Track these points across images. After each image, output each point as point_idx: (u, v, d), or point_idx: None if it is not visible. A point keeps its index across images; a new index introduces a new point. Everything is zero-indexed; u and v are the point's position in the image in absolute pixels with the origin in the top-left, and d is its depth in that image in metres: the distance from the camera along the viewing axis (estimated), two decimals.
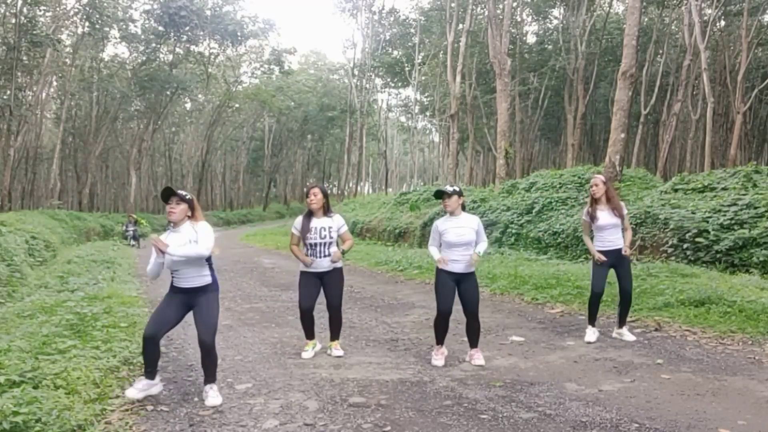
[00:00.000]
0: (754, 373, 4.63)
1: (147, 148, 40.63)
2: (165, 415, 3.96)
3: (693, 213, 9.97)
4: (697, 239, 9.31)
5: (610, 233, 5.78)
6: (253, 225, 43.43)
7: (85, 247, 18.85)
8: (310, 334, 5.50)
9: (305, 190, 5.50)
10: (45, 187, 39.27)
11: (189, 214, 4.23)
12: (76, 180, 38.64)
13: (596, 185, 5.81)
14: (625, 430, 3.58)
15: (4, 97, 26.09)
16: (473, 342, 5.20)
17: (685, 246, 9.45)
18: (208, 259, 4.25)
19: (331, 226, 5.34)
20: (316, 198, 5.33)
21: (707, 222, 9.49)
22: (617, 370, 4.81)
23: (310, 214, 5.39)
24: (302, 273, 5.45)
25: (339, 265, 5.41)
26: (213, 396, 4.18)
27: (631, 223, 10.59)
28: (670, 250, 9.63)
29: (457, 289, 5.11)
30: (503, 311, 7.61)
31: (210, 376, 4.24)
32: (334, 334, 5.56)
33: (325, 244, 5.32)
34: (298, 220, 5.46)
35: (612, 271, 5.91)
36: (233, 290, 9.97)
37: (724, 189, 11.10)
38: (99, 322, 5.88)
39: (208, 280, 4.25)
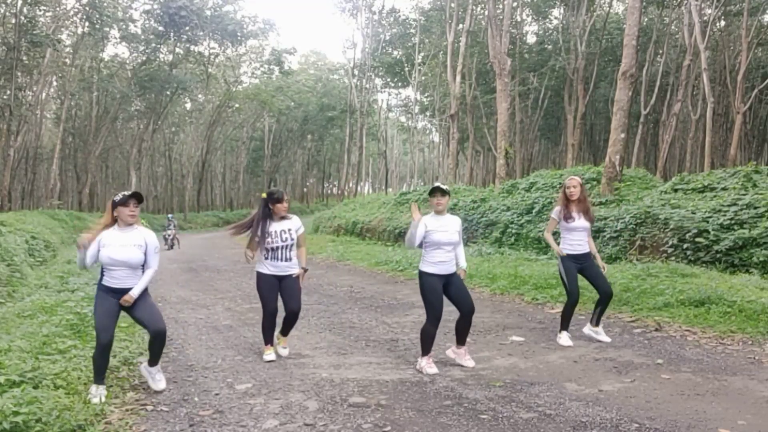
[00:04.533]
0: (754, 373, 4.63)
1: (147, 148, 40.66)
2: (165, 415, 3.96)
3: (693, 213, 9.97)
4: (697, 239, 9.31)
5: (580, 236, 5.75)
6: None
7: None
8: (271, 338, 5.36)
9: (274, 196, 5.27)
10: (45, 187, 39.26)
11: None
12: (76, 180, 38.67)
13: (574, 186, 5.73)
14: (625, 430, 3.58)
15: (4, 97, 26.10)
16: (462, 339, 5.02)
17: (685, 246, 9.45)
18: (143, 265, 4.36)
19: (290, 227, 5.28)
20: (287, 205, 5.30)
21: (707, 222, 9.49)
22: (617, 370, 4.80)
23: (267, 218, 5.26)
24: (260, 274, 5.29)
25: (293, 271, 5.32)
26: (159, 380, 4.47)
27: (630, 223, 10.69)
28: (670, 250, 9.63)
29: (445, 292, 4.92)
30: (503, 311, 7.61)
31: (155, 360, 4.47)
32: (285, 331, 5.44)
33: (287, 246, 5.25)
34: (246, 229, 5.37)
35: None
36: (233, 290, 9.98)
37: (724, 189, 11.09)
38: None
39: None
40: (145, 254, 4.31)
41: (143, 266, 4.34)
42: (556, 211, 5.89)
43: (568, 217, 5.75)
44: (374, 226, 21.34)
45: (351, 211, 26.00)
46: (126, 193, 4.30)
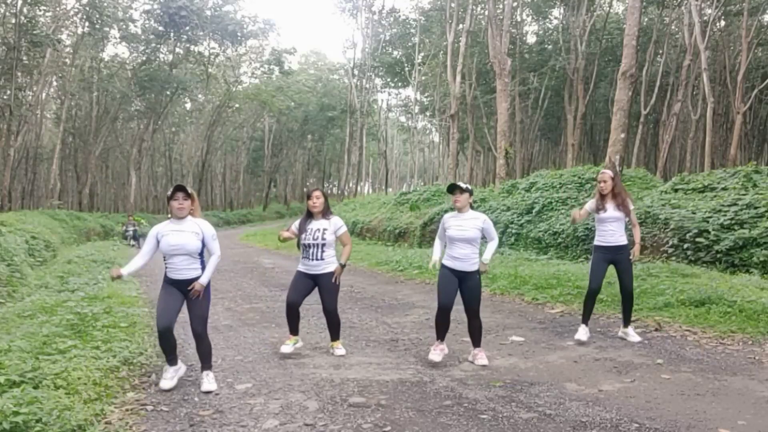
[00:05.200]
0: (754, 373, 4.63)
1: (147, 148, 40.64)
2: (165, 415, 3.96)
3: (693, 213, 9.97)
4: (698, 239, 9.30)
5: (612, 228, 5.70)
6: (253, 225, 43.44)
7: (85, 247, 18.84)
8: (294, 329, 5.49)
9: (306, 192, 5.53)
10: (45, 187, 39.27)
11: (192, 207, 4.55)
12: (76, 180, 38.64)
13: (605, 181, 5.73)
14: (625, 430, 3.58)
15: (4, 97, 26.10)
16: (476, 341, 5.17)
17: (685, 246, 9.45)
18: (201, 253, 4.51)
19: (326, 228, 5.34)
20: (318, 201, 5.36)
21: (707, 222, 9.49)
22: (617, 370, 4.81)
23: (309, 216, 5.41)
24: (297, 271, 5.49)
25: (332, 269, 5.38)
26: (208, 382, 4.45)
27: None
28: (670, 250, 9.63)
29: (459, 288, 5.08)
30: (503, 311, 7.61)
31: (206, 363, 4.54)
32: (334, 335, 5.57)
33: (318, 245, 5.31)
34: (298, 221, 5.49)
35: (612, 270, 5.87)
36: (233, 290, 9.98)
37: (724, 189, 11.08)
38: (99, 322, 5.88)
39: (199, 272, 4.50)
40: (203, 242, 4.47)
41: (201, 256, 4.49)
42: (590, 203, 5.90)
43: (599, 208, 5.76)
44: (374, 226, 21.34)
45: (351, 211, 26.00)
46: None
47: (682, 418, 3.72)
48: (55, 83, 35.79)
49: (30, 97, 30.40)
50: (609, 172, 5.86)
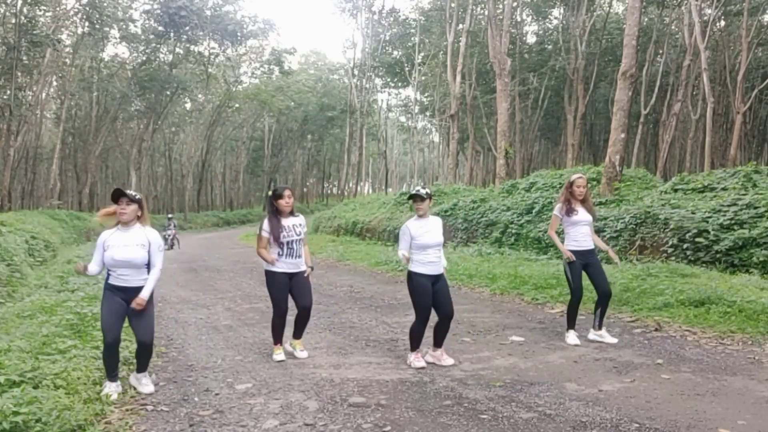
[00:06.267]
0: (754, 373, 4.63)
1: (147, 148, 40.64)
2: (165, 415, 3.96)
3: (693, 213, 9.97)
4: (697, 239, 9.30)
5: (584, 231, 5.75)
6: (253, 225, 43.37)
7: (85, 247, 18.84)
8: (281, 337, 5.40)
9: (276, 192, 5.32)
10: (45, 187, 39.26)
11: (139, 214, 4.38)
12: (76, 180, 38.67)
13: (584, 186, 5.78)
14: (625, 430, 3.58)
15: (4, 97, 26.09)
16: (440, 342, 5.12)
17: (685, 246, 9.45)
18: (148, 264, 4.36)
19: (301, 223, 5.38)
20: (290, 200, 5.35)
21: (707, 222, 9.49)
22: (617, 370, 4.80)
23: (277, 215, 5.30)
24: (272, 273, 5.30)
25: (304, 267, 5.39)
26: (146, 384, 4.43)
27: (630, 223, 10.69)
28: (670, 250, 9.63)
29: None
30: (503, 311, 7.61)
31: (143, 367, 4.49)
32: (299, 333, 5.48)
33: (300, 241, 5.32)
34: (266, 223, 5.31)
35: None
36: (233, 290, 9.98)
37: (724, 189, 11.09)
38: (99, 322, 5.86)
39: (146, 280, 4.36)
40: (149, 253, 4.31)
41: (148, 265, 4.34)
42: (558, 208, 5.89)
43: (570, 211, 5.76)
44: (374, 226, 21.34)
45: (351, 211, 26.00)
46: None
47: (682, 418, 3.72)
48: (55, 83, 35.81)
49: (30, 97, 30.40)
50: (585, 177, 5.91)
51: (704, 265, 8.91)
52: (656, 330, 6.14)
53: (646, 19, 27.49)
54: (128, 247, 4.25)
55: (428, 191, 5.11)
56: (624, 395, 4.19)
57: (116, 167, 47.38)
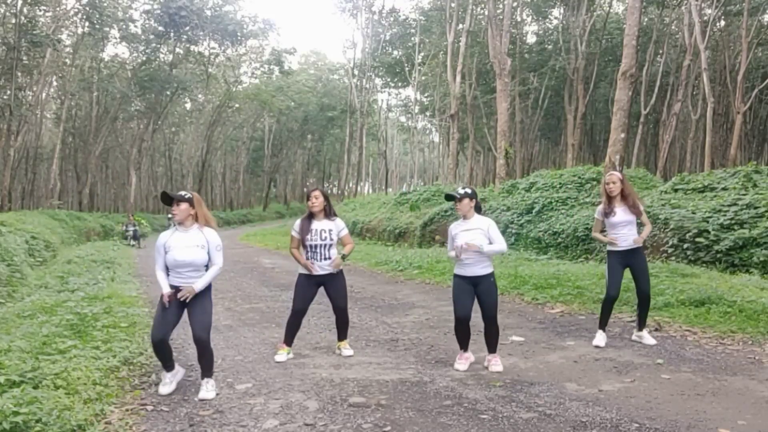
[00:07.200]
0: (754, 373, 4.63)
1: (147, 148, 40.63)
2: (165, 415, 3.96)
3: (693, 213, 9.97)
4: (697, 239, 9.30)
5: (625, 231, 5.55)
6: (253, 225, 43.45)
7: (85, 247, 18.85)
8: (290, 339, 5.40)
9: (306, 192, 5.50)
10: (45, 187, 39.26)
11: (192, 212, 4.40)
12: (76, 180, 38.65)
13: (613, 183, 5.58)
14: (625, 430, 3.58)
15: (4, 97, 26.09)
16: (492, 347, 4.99)
17: (685, 246, 9.44)
18: (207, 265, 4.42)
19: (331, 228, 5.32)
20: (317, 201, 5.31)
21: (707, 222, 9.49)
22: (617, 370, 4.80)
23: (310, 216, 5.35)
24: (301, 275, 5.39)
25: (327, 271, 5.34)
26: (206, 390, 4.30)
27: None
28: (670, 250, 9.63)
29: (476, 294, 4.90)
30: (503, 311, 7.59)
31: (206, 371, 4.38)
32: (342, 335, 5.54)
33: (325, 246, 5.28)
34: (297, 223, 5.41)
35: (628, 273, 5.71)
36: (233, 290, 9.97)
37: (724, 189, 11.09)
38: (99, 322, 5.88)
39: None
40: (208, 253, 4.37)
41: (206, 267, 4.40)
42: (599, 211, 5.75)
43: (608, 212, 5.61)
44: (374, 226, 21.35)
45: (351, 211, 26.01)
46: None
47: (682, 418, 3.72)
48: (55, 83, 35.81)
49: (30, 97, 30.41)
50: (618, 174, 5.72)
51: (704, 265, 8.91)
52: (656, 330, 6.13)
53: (646, 19, 27.49)
54: (189, 248, 4.32)
55: (466, 191, 4.94)
56: (624, 395, 4.19)
57: (116, 167, 47.35)
